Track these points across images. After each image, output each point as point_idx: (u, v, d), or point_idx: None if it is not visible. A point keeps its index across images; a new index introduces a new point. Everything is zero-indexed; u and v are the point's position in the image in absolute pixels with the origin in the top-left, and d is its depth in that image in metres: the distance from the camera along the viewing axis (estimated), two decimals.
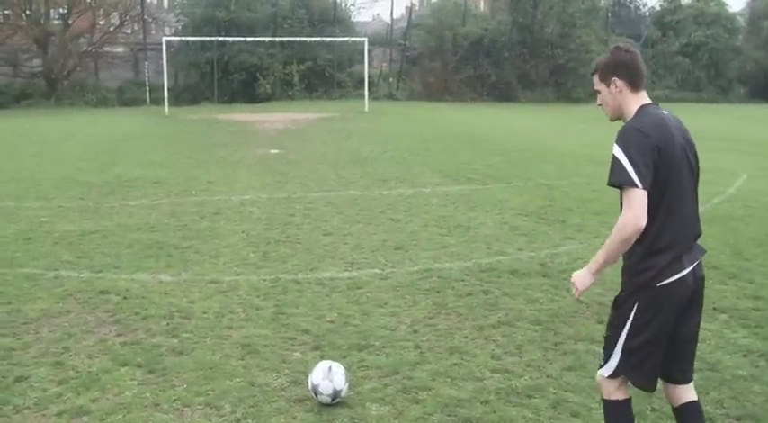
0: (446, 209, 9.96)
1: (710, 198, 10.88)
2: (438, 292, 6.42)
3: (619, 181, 3.06)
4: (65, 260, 7.45)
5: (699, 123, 25.59)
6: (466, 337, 5.39)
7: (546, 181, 12.10)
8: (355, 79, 37.22)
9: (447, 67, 36.88)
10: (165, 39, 32.28)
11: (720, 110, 33.74)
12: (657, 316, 3.17)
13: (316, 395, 4.25)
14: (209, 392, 4.49)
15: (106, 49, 36.46)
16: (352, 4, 53.76)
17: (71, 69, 34.91)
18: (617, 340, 3.26)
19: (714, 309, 5.93)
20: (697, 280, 3.24)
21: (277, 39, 34.53)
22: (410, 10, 42.02)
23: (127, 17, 37.14)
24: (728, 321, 5.71)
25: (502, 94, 37.33)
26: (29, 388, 4.56)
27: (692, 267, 3.19)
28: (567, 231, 8.77)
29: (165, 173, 13.18)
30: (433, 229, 8.89)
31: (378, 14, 70.34)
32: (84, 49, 35.39)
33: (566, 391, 4.52)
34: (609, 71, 3.27)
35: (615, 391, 3.37)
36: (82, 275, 6.90)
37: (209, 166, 14.11)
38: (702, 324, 5.46)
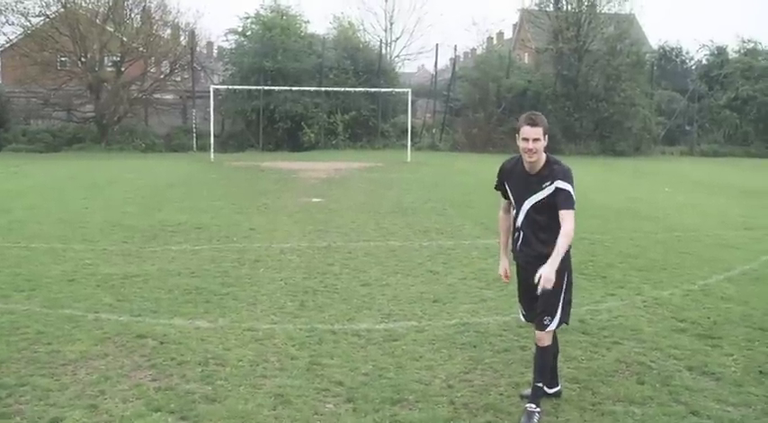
0: (486, 262, 9.84)
1: (758, 256, 10.62)
2: (475, 346, 6.33)
3: (574, 206, 4.72)
4: (105, 303, 7.55)
5: (748, 178, 25.38)
6: (501, 393, 5.28)
7: (588, 235, 11.92)
8: (399, 129, 37.53)
9: (490, 118, 36.99)
10: (212, 87, 33.09)
11: None
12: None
13: None
14: None
15: (156, 95, 37.51)
16: (397, 56, 54.75)
17: (122, 115, 35.92)
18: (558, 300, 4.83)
19: (760, 372, 5.74)
20: None
21: (322, 89, 35.11)
22: (454, 62, 42.43)
23: (177, 65, 38.17)
24: None
25: (545, 146, 37.13)
26: None
27: None
28: (608, 287, 8.60)
29: (208, 219, 13.34)
30: (471, 282, 8.80)
31: (422, 66, 71.32)
32: (135, 95, 36.42)
33: None
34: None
35: (550, 338, 4.90)
36: (121, 319, 6.97)
37: (251, 213, 14.26)
38: (749, 388, 5.34)
